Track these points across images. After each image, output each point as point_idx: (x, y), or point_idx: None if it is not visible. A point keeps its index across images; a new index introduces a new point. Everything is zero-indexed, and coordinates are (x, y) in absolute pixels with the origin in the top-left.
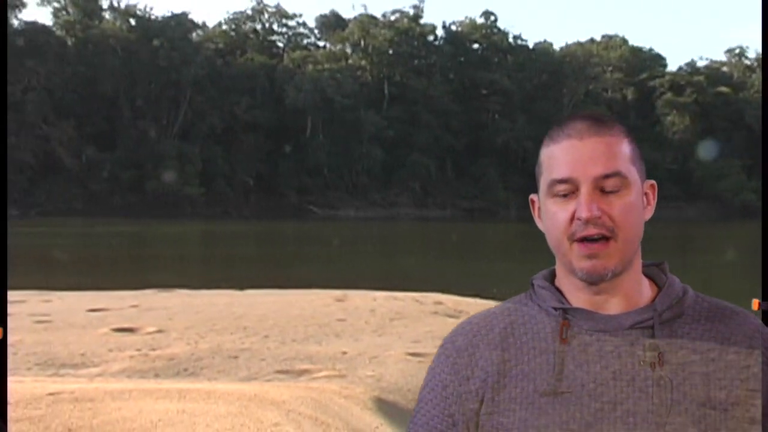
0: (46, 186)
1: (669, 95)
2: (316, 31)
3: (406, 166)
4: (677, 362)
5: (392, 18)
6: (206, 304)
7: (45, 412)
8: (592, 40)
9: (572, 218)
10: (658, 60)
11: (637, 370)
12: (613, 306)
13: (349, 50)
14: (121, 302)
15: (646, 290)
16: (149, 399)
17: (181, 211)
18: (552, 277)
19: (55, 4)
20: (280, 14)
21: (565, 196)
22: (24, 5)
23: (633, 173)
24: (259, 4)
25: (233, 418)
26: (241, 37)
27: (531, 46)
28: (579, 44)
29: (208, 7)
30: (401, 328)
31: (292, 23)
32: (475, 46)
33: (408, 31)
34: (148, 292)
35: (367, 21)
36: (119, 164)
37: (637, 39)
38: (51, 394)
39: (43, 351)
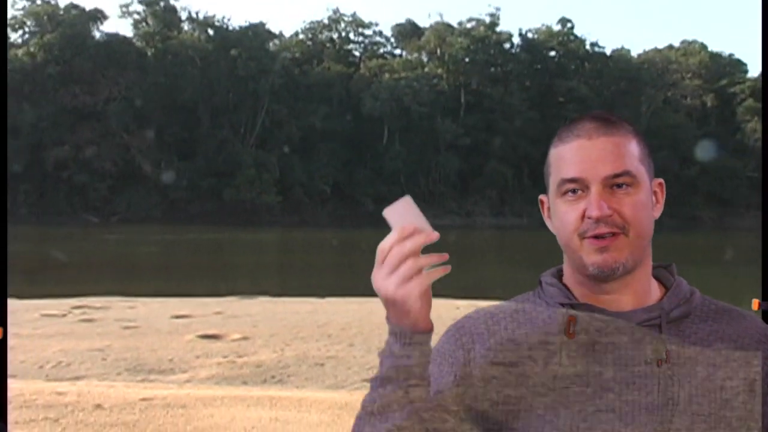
0: (126, 194)
1: (750, 102)
2: (392, 40)
3: (483, 175)
4: (683, 361)
5: (468, 26)
6: (289, 312)
7: (138, 417)
8: (670, 47)
9: (582, 216)
10: (739, 66)
11: (643, 367)
12: (622, 304)
13: (425, 58)
14: (204, 309)
15: (654, 291)
16: (240, 406)
17: (259, 219)
18: (560, 275)
19: (136, 16)
20: (357, 23)
21: (574, 192)
22: (105, 17)
23: (642, 172)
24: (335, 13)
25: (326, 427)
26: (317, 46)
27: (608, 52)
28: (657, 50)
29: (285, 17)
30: None
31: (368, 32)
32: (552, 53)
33: (484, 39)
34: (231, 299)
35: (443, 29)
36: (198, 172)
37: (716, 45)
38: (144, 399)
39: (132, 357)
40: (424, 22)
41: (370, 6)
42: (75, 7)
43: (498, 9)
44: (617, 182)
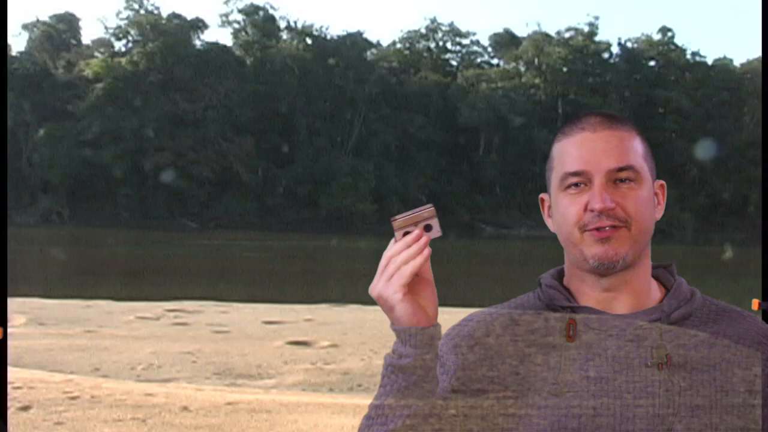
0: (223, 200)
1: None
2: (489, 50)
3: None
4: (684, 364)
5: (566, 35)
6: (379, 320)
7: (223, 421)
8: None
9: (585, 209)
10: None
11: (643, 370)
12: (622, 305)
13: (522, 68)
14: (295, 315)
15: (654, 291)
16: (325, 413)
17: (354, 226)
18: (560, 276)
19: (235, 25)
20: (454, 33)
21: (577, 186)
22: (206, 26)
23: (645, 169)
24: (433, 22)
25: None
26: (415, 55)
27: (710, 62)
28: (761, 60)
29: (382, 27)
30: None
31: (465, 41)
32: (652, 63)
33: (583, 48)
34: (322, 306)
35: (541, 39)
36: (294, 180)
37: None
38: (229, 403)
39: (221, 361)
40: (521, 32)
41: (467, 15)
42: (177, 16)
43: (597, 18)
44: (620, 176)
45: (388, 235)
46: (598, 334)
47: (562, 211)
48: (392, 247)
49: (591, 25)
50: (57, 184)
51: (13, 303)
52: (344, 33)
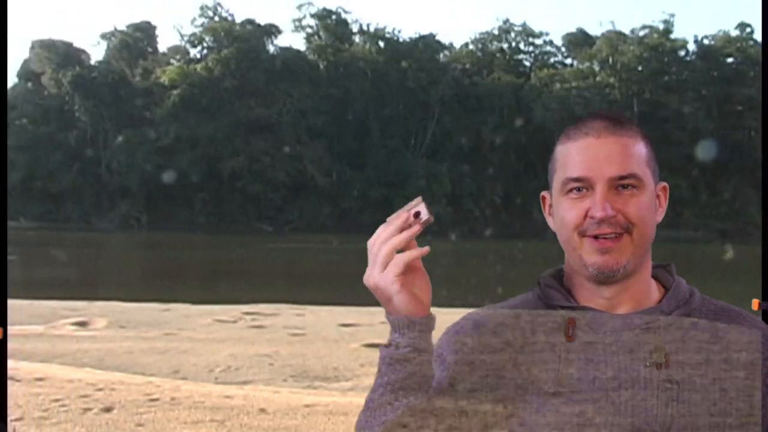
0: (298, 203)
1: None
2: (563, 49)
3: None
4: (683, 364)
5: (641, 34)
6: (453, 321)
7: (300, 423)
8: None
9: (585, 216)
10: None
11: (642, 370)
12: (621, 306)
13: (596, 68)
14: (371, 318)
15: (653, 291)
16: None
17: (428, 229)
18: (560, 276)
19: (308, 30)
20: (527, 33)
21: (579, 190)
22: (279, 32)
23: (647, 175)
24: (505, 23)
25: None
26: (487, 56)
27: None
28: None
29: (455, 28)
30: None
31: (538, 42)
32: (729, 60)
33: (658, 46)
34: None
35: (615, 37)
36: (368, 182)
37: None
38: (307, 405)
39: (298, 363)
40: (595, 31)
41: (540, 15)
42: (250, 22)
43: (672, 16)
44: (623, 183)
45: (463, 237)
46: (598, 333)
47: (563, 214)
48: (379, 233)
49: (666, 22)
50: (135, 190)
51: (94, 306)
52: (417, 35)
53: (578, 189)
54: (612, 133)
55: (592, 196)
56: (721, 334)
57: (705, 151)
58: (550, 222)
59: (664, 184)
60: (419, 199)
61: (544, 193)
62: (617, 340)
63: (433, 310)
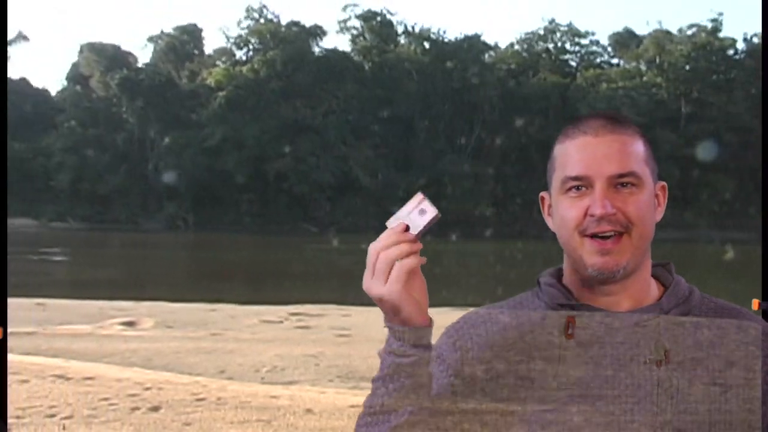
0: (344, 204)
1: None
2: (609, 49)
3: (704, 186)
4: (683, 361)
5: (689, 33)
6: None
7: (347, 424)
8: None
9: (585, 214)
10: None
11: (642, 368)
12: (621, 304)
13: (643, 67)
14: None
15: (653, 290)
16: None
17: (474, 230)
18: (559, 275)
19: (354, 31)
20: (573, 33)
21: (578, 189)
22: (324, 33)
23: (646, 173)
24: (551, 23)
25: None
26: (533, 57)
27: None
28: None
29: (500, 28)
30: None
31: (584, 41)
32: None
33: (706, 45)
34: (444, 310)
35: (662, 37)
36: (414, 183)
37: None
38: (352, 406)
39: (344, 364)
40: (642, 30)
41: (586, 15)
42: (296, 24)
43: (720, 14)
44: (622, 182)
45: (508, 237)
46: (597, 331)
47: (562, 213)
48: (380, 241)
49: (714, 21)
50: (182, 191)
51: (141, 306)
52: (462, 36)
53: (577, 188)
54: (610, 131)
55: (591, 195)
56: (720, 332)
57: (756, 151)
58: (549, 222)
59: (663, 183)
60: (420, 195)
61: (542, 194)
62: (617, 338)
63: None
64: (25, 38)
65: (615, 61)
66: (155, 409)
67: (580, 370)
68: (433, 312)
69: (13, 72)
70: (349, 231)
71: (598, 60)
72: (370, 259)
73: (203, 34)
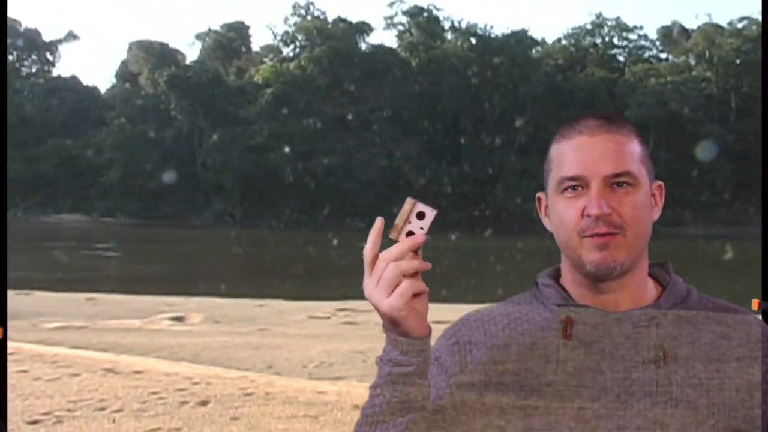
0: (391, 201)
1: None
2: (657, 43)
3: (756, 182)
4: (682, 361)
5: (739, 26)
6: None
7: None
8: None
9: (582, 215)
10: None
11: (641, 368)
12: (619, 305)
13: (692, 61)
14: (461, 315)
15: (650, 290)
16: None
17: (522, 226)
18: (556, 275)
19: (400, 27)
20: (621, 27)
21: (574, 189)
22: (371, 29)
23: (642, 173)
24: (598, 18)
25: None
26: (580, 52)
27: None
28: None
29: (547, 24)
30: None
31: (632, 36)
32: None
33: (757, 38)
34: (491, 306)
35: (711, 30)
36: (461, 179)
37: None
38: None
39: None
40: (691, 24)
41: (634, 9)
42: (342, 20)
43: None
44: (618, 181)
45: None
46: (596, 332)
47: (559, 214)
48: (393, 251)
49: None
50: (230, 187)
51: (190, 301)
52: (509, 31)
53: (573, 188)
54: (606, 131)
55: (587, 195)
56: (719, 332)
57: None
58: (546, 223)
59: (660, 183)
60: (412, 200)
61: (539, 194)
62: (615, 338)
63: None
64: (75, 37)
65: (663, 55)
66: (203, 403)
67: (578, 370)
68: (468, 309)
69: (64, 70)
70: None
71: (646, 54)
72: (378, 267)
73: (250, 31)
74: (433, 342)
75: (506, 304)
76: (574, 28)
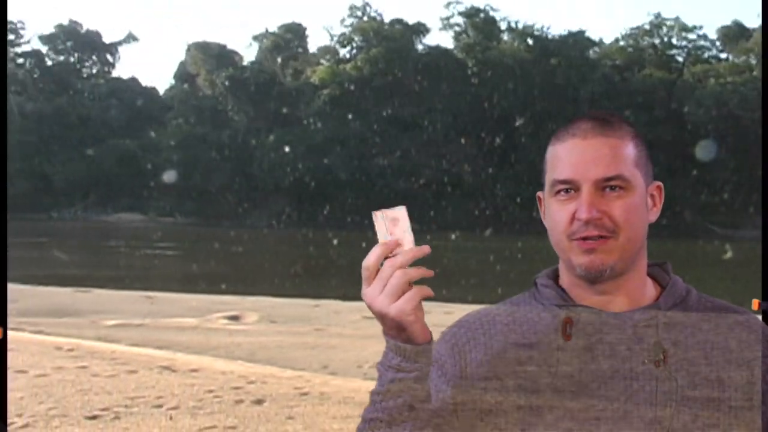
0: (446, 201)
1: None
2: (717, 43)
3: None
4: (681, 361)
5: None
6: None
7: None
8: None
9: (572, 218)
10: None
11: (641, 368)
12: (617, 305)
13: (753, 61)
14: None
15: (649, 290)
16: None
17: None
18: (555, 276)
19: (456, 28)
20: (680, 27)
21: (567, 192)
22: (427, 30)
23: (637, 176)
24: (657, 18)
25: None
26: (638, 52)
27: None
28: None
29: (604, 24)
30: None
31: (692, 36)
32: None
33: None
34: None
35: None
36: (517, 180)
37: None
38: None
39: None
40: (752, 23)
41: (693, 9)
42: (399, 21)
43: None
44: (609, 185)
45: None
46: (595, 332)
47: (552, 216)
48: (398, 258)
49: None
50: (286, 188)
51: (245, 301)
52: (566, 32)
53: (566, 191)
54: (599, 134)
55: (578, 198)
56: (719, 332)
57: None
58: (546, 223)
59: (659, 184)
60: (377, 214)
61: (539, 194)
62: (615, 338)
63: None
64: (134, 39)
65: (723, 55)
66: (259, 402)
67: (578, 370)
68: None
69: (124, 71)
70: (453, 228)
71: (706, 55)
72: (383, 274)
73: (307, 32)
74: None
75: (505, 305)
76: (632, 29)
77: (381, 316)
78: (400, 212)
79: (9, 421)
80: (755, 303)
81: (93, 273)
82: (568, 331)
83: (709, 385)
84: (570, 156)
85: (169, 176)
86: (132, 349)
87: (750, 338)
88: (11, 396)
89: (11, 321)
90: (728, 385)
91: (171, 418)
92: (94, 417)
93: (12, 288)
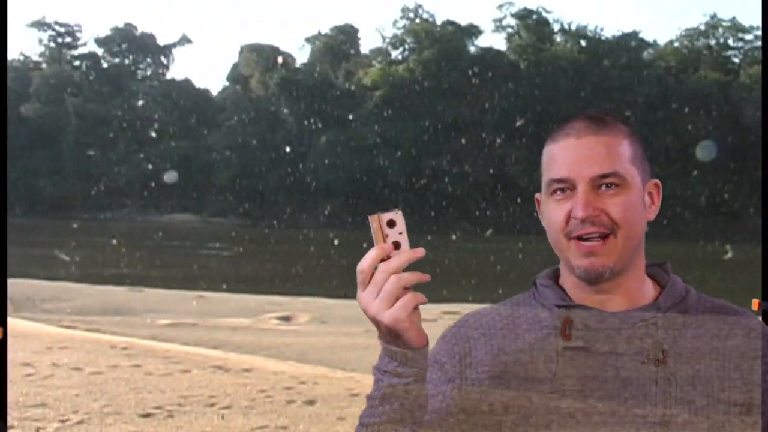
0: (499, 204)
1: None
2: None
3: None
4: (681, 360)
5: None
6: None
7: None
8: None
9: (569, 217)
10: None
11: (640, 368)
12: (616, 305)
13: None
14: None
15: (648, 290)
16: None
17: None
18: (555, 276)
19: (509, 30)
20: (736, 28)
21: (563, 191)
22: (480, 32)
23: (633, 173)
24: (713, 18)
25: None
26: (693, 53)
27: None
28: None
29: (659, 25)
30: None
31: (748, 37)
32: None
33: None
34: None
35: None
36: None
37: None
38: None
39: None
40: None
41: (750, 9)
42: (451, 23)
43: None
44: (605, 182)
45: (671, 239)
46: (595, 332)
47: (549, 216)
48: (392, 263)
49: None
50: (338, 189)
51: (297, 302)
52: (620, 34)
53: (562, 190)
54: (593, 132)
55: (574, 197)
56: (718, 332)
57: None
58: (544, 223)
59: (656, 181)
60: (373, 216)
61: (537, 195)
62: (614, 338)
63: None
64: (188, 41)
65: None
66: (310, 402)
67: (578, 370)
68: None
69: (177, 73)
70: (506, 231)
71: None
72: (378, 279)
73: (359, 34)
74: (432, 343)
75: (505, 305)
76: (687, 30)
77: (375, 322)
78: (396, 215)
79: (64, 417)
80: (755, 303)
81: (147, 273)
82: (568, 331)
83: (708, 385)
84: (565, 155)
85: (223, 177)
86: (185, 349)
87: (749, 338)
88: (66, 393)
89: (65, 319)
90: (728, 384)
91: (223, 417)
92: (147, 415)
93: (67, 286)
